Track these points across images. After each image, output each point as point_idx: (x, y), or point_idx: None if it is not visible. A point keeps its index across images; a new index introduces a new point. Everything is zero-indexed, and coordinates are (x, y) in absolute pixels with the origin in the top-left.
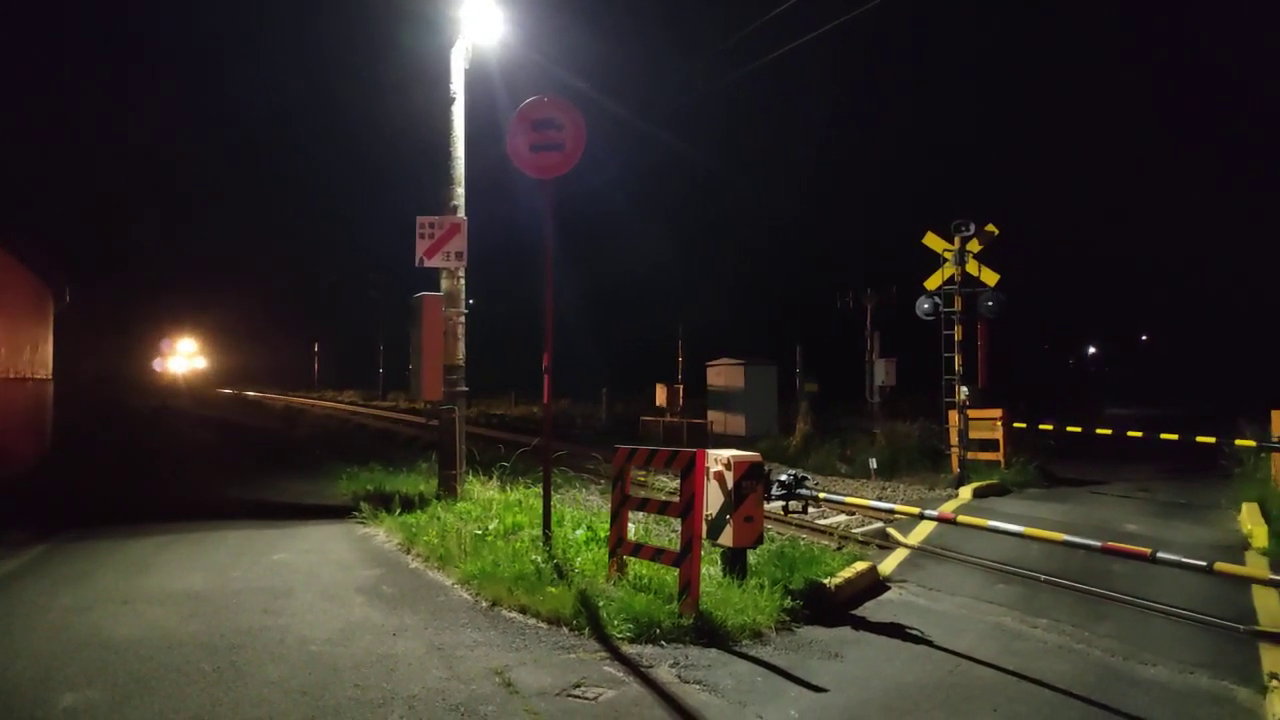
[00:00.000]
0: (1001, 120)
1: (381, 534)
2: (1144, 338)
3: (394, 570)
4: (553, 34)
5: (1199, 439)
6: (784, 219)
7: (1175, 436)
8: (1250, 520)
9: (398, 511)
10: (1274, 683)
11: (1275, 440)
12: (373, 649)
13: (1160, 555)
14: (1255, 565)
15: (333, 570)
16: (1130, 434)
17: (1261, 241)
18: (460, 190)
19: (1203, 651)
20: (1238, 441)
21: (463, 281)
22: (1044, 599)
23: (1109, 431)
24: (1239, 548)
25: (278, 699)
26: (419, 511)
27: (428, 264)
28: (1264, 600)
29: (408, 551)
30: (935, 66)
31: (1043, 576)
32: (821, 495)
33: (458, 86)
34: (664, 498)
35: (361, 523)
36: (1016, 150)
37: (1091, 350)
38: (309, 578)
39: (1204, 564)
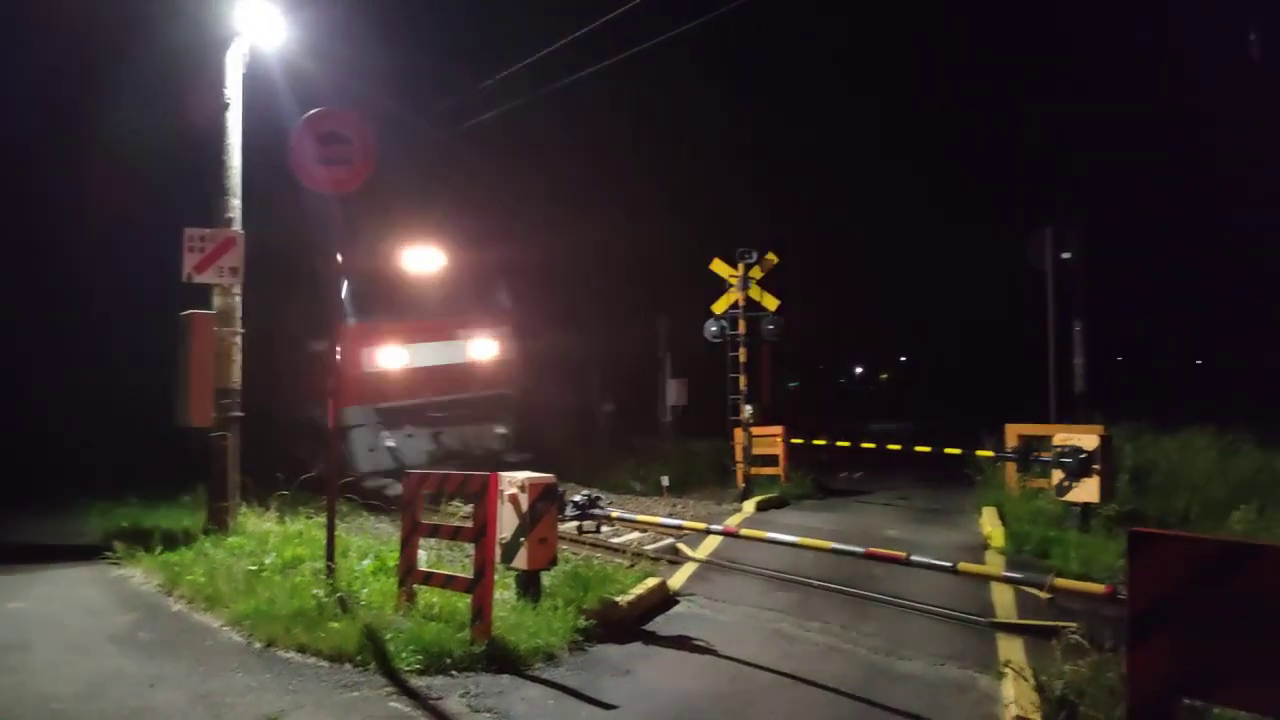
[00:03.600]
0: (785, 151)
1: (139, 574)
2: (902, 359)
3: (153, 614)
4: (346, 42)
5: (948, 450)
6: (584, 240)
7: (928, 449)
8: (990, 523)
9: (158, 549)
10: (1007, 670)
11: (1008, 451)
12: (126, 702)
13: (914, 559)
14: (993, 564)
15: (80, 617)
16: (890, 447)
17: (1005, 264)
18: (236, 202)
19: (952, 644)
20: (978, 453)
21: (238, 299)
22: (817, 603)
23: (873, 445)
24: (981, 548)
25: None
26: (184, 549)
27: (197, 279)
28: (1000, 595)
29: (170, 593)
30: (711, 105)
31: (815, 582)
32: (615, 514)
33: (233, 91)
34: (457, 523)
35: (115, 563)
36: (796, 179)
37: (858, 370)
38: (51, 627)
39: (949, 565)
